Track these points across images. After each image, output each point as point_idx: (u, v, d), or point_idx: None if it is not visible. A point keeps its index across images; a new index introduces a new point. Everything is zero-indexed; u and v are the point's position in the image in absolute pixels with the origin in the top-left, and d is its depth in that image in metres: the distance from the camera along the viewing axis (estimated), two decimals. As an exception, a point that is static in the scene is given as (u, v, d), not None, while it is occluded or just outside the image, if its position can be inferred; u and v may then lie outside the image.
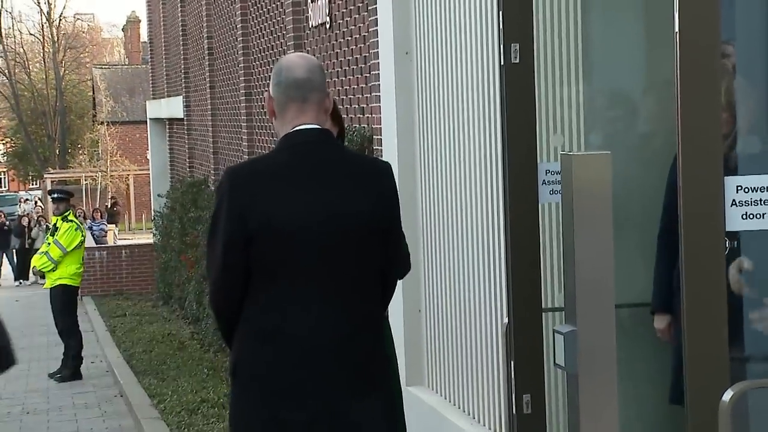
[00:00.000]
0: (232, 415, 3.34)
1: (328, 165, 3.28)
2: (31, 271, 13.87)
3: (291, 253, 3.19)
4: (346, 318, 3.24)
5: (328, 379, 3.20)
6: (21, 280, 25.19)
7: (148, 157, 24.93)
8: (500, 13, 4.11)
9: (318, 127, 3.31)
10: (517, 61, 4.20)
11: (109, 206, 36.25)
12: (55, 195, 12.23)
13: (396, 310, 6.51)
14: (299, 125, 3.28)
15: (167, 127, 19.79)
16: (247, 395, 3.25)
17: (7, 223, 26.11)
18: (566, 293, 2.88)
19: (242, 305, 3.26)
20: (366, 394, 3.25)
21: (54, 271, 11.49)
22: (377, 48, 6.99)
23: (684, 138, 2.74)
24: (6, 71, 56.57)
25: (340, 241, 3.22)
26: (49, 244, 11.66)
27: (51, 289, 11.64)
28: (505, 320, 4.39)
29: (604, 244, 2.78)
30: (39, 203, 41.05)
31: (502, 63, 4.19)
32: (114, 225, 31.70)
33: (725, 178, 2.64)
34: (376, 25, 6.98)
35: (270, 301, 3.21)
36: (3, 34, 56.91)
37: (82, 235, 11.83)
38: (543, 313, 4.32)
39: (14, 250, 25.59)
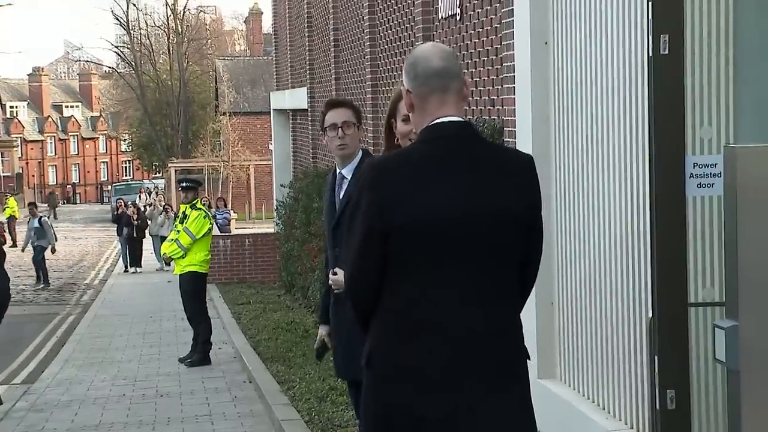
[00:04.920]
0: (365, 406, 3.33)
1: (470, 159, 3.25)
2: (162, 256, 14.18)
3: (431, 248, 3.17)
4: (488, 313, 3.21)
5: (468, 374, 3.17)
6: (135, 268, 25.81)
7: (270, 147, 25.27)
8: (650, 3, 4.06)
9: (460, 119, 3.29)
10: (667, 52, 4.14)
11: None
12: (184, 184, 12.47)
13: (528, 303, 6.43)
14: (440, 117, 3.25)
15: (290, 118, 20.04)
16: (382, 387, 3.24)
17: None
18: (727, 288, 2.83)
19: (379, 296, 3.26)
20: (505, 388, 3.23)
21: (183, 258, 11.73)
22: (510, 39, 6.96)
23: None
24: (133, 63, 58.03)
25: (481, 236, 3.19)
26: (178, 231, 11.90)
27: (180, 275, 11.89)
28: (649, 314, 4.34)
29: (768, 239, 2.72)
30: (160, 193, 41.90)
31: (650, 54, 4.14)
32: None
33: None
34: (510, 16, 6.95)
35: (409, 294, 3.20)
36: (130, 27, 58.44)
37: (210, 223, 12.06)
38: (689, 308, 4.27)
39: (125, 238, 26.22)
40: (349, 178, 5.12)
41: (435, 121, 3.25)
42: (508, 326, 3.29)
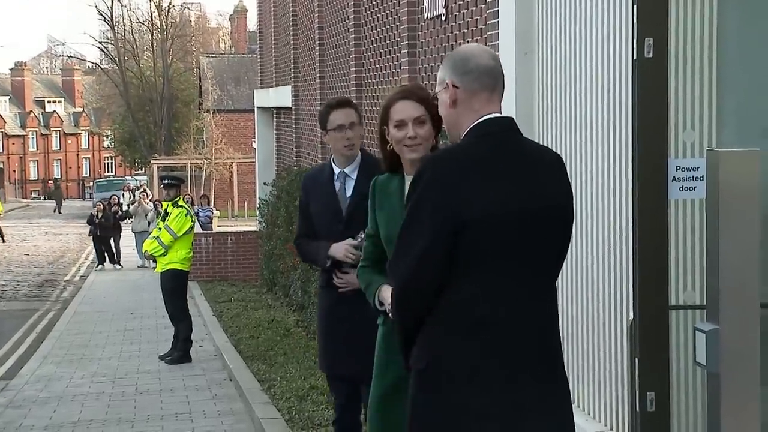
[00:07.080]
0: (424, 410, 3.26)
1: (521, 154, 3.29)
2: (143, 254, 14.15)
3: (495, 244, 3.17)
4: (544, 309, 3.26)
5: (524, 370, 3.20)
6: (103, 265, 25.63)
7: (254, 145, 25.22)
8: (635, 7, 4.07)
9: (509, 116, 3.34)
10: (651, 55, 4.15)
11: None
12: (166, 181, 12.44)
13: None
14: (488, 114, 3.28)
15: (274, 116, 20.01)
16: (448, 391, 3.21)
17: (118, 209, 26.77)
18: (709, 291, 2.84)
19: (435, 300, 3.21)
20: (554, 380, 3.29)
21: (165, 255, 11.70)
22: (495, 40, 6.96)
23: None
24: (116, 59, 57.84)
25: (537, 230, 3.22)
26: (160, 229, 11.88)
27: (161, 273, 11.86)
28: (630, 317, 4.35)
29: (749, 243, 2.74)
30: (146, 190, 41.73)
31: (634, 57, 4.15)
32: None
33: None
34: (495, 17, 6.96)
35: (474, 293, 3.18)
36: (114, 23, 58.24)
37: (192, 221, 12.03)
38: (670, 311, 4.28)
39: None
40: (354, 176, 5.22)
41: (483, 118, 3.28)
42: (556, 318, 3.35)
